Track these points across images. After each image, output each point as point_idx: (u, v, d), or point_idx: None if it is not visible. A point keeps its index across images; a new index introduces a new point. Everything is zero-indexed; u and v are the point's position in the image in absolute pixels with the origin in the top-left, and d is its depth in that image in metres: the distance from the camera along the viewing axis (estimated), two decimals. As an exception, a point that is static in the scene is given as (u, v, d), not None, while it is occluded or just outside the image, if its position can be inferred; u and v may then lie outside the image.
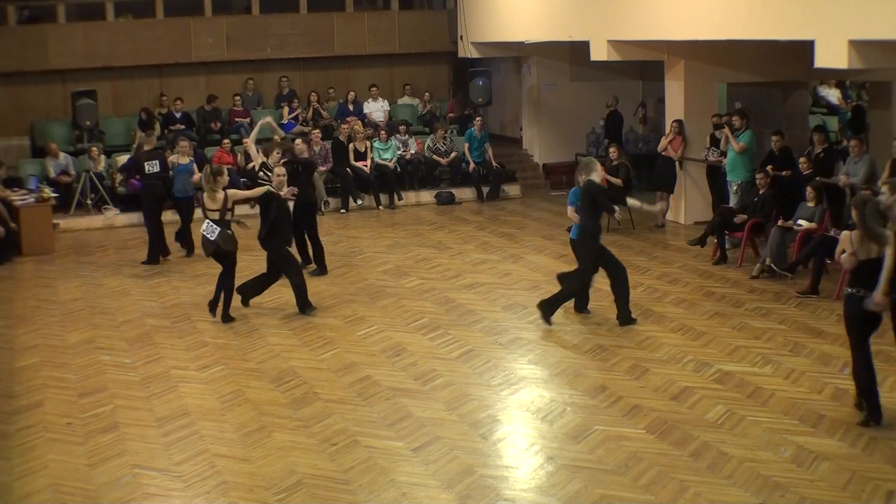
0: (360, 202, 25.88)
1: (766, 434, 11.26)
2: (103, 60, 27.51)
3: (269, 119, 22.17)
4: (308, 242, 19.18)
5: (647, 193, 23.25)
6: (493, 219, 24.59)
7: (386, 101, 29.48)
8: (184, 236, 20.88)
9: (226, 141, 25.70)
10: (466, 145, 27.17)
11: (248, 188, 18.79)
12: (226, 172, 16.60)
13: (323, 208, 25.15)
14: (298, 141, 20.61)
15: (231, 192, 16.44)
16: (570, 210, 16.15)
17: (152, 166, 20.33)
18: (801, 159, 19.48)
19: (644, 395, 12.58)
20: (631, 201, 16.63)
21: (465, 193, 27.18)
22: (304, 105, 28.44)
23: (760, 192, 18.78)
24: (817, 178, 18.71)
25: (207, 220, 16.09)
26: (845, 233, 11.56)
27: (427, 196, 26.98)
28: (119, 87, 28.07)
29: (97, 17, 27.97)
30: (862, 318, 11.46)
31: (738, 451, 10.81)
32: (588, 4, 22.46)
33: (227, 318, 16.31)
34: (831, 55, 15.15)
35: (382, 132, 27.03)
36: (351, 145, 26.34)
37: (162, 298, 17.55)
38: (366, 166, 26.19)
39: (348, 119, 27.59)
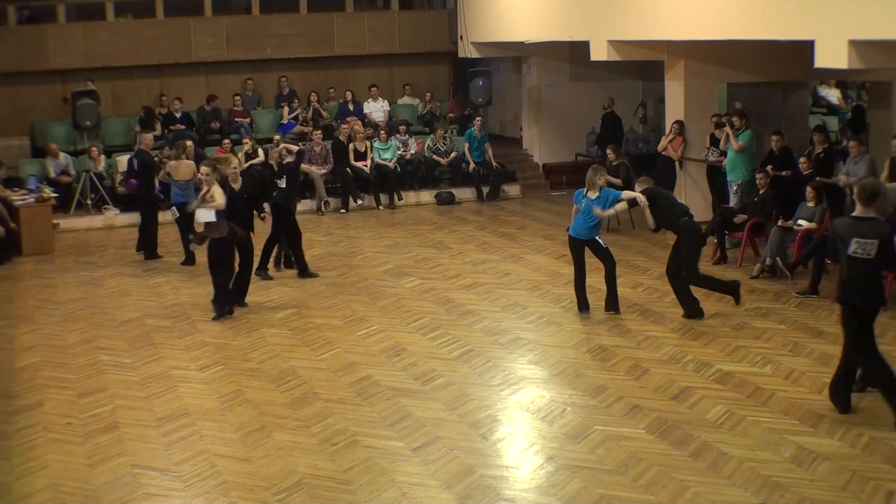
0: (360, 202, 25.88)
1: (766, 434, 11.26)
2: (103, 60, 27.52)
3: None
4: (285, 247, 19.07)
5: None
6: (493, 219, 24.60)
7: (386, 101, 29.48)
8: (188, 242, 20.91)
9: (226, 141, 25.68)
10: (466, 145, 27.17)
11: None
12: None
13: (323, 208, 25.16)
14: (278, 138, 20.50)
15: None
16: (574, 209, 16.20)
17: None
18: (801, 159, 19.49)
19: (644, 395, 12.58)
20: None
21: (465, 193, 27.19)
22: (304, 105, 28.44)
23: (760, 192, 18.79)
24: (817, 178, 18.72)
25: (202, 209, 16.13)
26: None
27: (427, 196, 26.98)
28: (119, 87, 28.07)
29: (97, 17, 28.00)
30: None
31: (738, 451, 10.81)
32: (588, 4, 22.46)
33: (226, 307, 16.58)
34: (831, 55, 15.15)
35: (382, 132, 27.02)
36: (351, 145, 26.34)
37: (162, 298, 17.55)
38: (366, 166, 26.19)
39: (348, 119, 27.57)
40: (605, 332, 15.25)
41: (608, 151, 22.75)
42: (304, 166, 18.87)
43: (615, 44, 21.61)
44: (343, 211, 25.68)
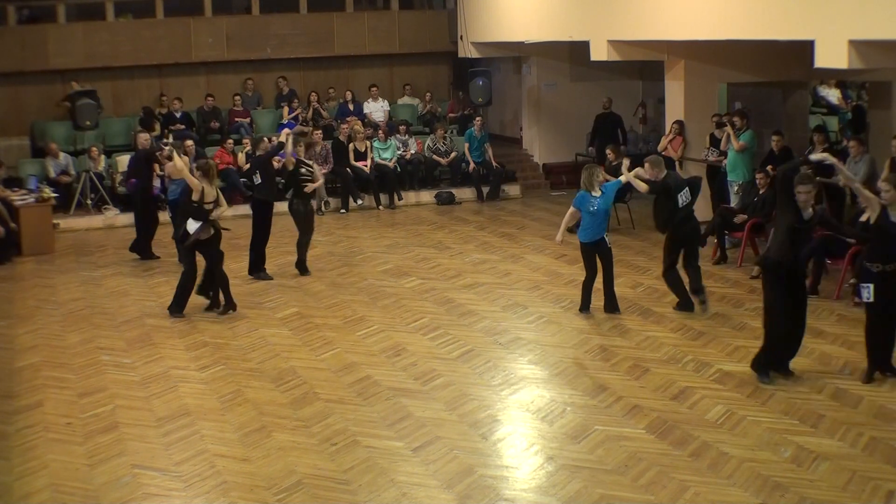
0: (360, 202, 25.88)
1: (766, 434, 11.26)
2: (103, 60, 27.52)
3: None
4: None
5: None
6: (493, 219, 24.60)
7: (386, 101, 29.48)
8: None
9: (229, 141, 25.71)
10: (466, 145, 27.18)
11: (248, 187, 18.77)
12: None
13: (323, 208, 25.16)
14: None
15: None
16: (572, 213, 16.20)
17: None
18: (801, 159, 19.47)
19: (644, 395, 12.59)
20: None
21: (465, 193, 27.20)
22: (304, 105, 28.44)
23: (760, 192, 18.79)
24: (817, 178, 18.69)
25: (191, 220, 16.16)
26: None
27: (427, 196, 26.99)
28: (119, 87, 28.07)
29: (97, 17, 28.00)
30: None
31: (738, 451, 10.81)
32: (588, 4, 22.47)
33: (230, 305, 16.66)
34: (831, 55, 15.15)
35: (381, 132, 27.02)
36: (351, 145, 26.34)
37: (162, 298, 17.52)
38: (366, 166, 26.18)
39: (348, 119, 27.56)
40: (605, 332, 15.25)
41: (608, 151, 22.74)
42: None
43: (615, 44, 21.61)
44: (343, 211, 25.69)
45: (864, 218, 16.46)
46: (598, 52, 22.08)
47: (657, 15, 19.77)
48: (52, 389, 13.39)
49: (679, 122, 22.65)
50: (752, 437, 11.22)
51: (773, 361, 12.94)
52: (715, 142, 21.90)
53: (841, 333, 14.71)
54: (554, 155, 29.25)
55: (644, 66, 27.35)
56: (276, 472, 10.67)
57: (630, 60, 23.47)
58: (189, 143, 23.17)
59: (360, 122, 27.35)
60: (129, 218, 23.50)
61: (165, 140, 22.04)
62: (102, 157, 24.99)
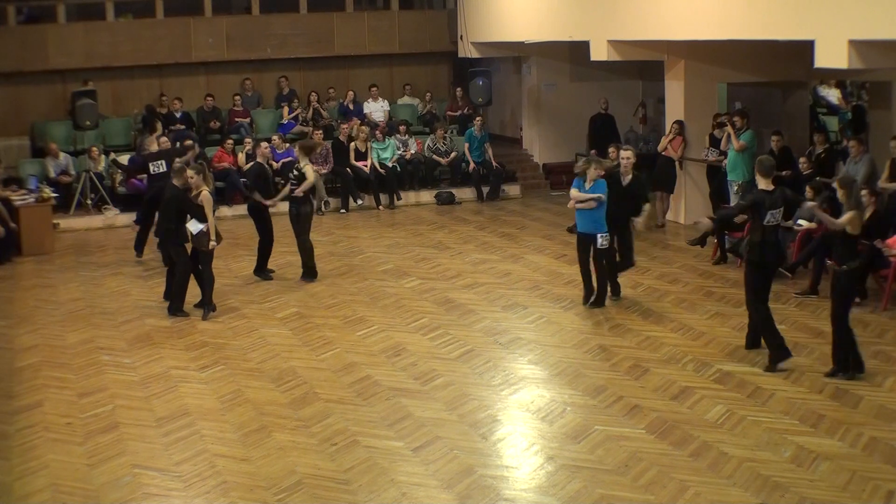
0: (360, 202, 25.88)
1: (766, 434, 11.27)
2: (103, 60, 27.51)
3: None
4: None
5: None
6: (493, 219, 24.60)
7: (386, 101, 29.46)
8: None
9: (229, 141, 25.70)
10: (466, 145, 27.16)
11: (249, 188, 18.75)
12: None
13: (323, 208, 25.15)
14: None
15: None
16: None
17: (157, 167, 20.30)
18: (802, 159, 19.49)
19: (644, 395, 12.59)
20: None
21: (465, 193, 27.19)
22: (304, 105, 28.42)
23: (760, 191, 18.76)
24: (817, 178, 18.70)
25: (195, 220, 16.14)
26: (851, 214, 12.80)
27: (427, 196, 26.98)
28: (119, 87, 28.04)
29: (97, 17, 27.97)
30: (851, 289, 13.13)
31: (738, 451, 10.82)
32: (588, 4, 22.47)
33: (209, 307, 16.60)
34: (831, 55, 15.17)
35: (378, 132, 26.99)
36: (352, 144, 26.33)
37: (162, 298, 17.50)
38: (366, 166, 26.17)
39: (349, 121, 27.50)
40: (605, 332, 15.26)
41: (610, 150, 22.70)
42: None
43: (615, 44, 21.62)
44: (343, 211, 25.69)
45: (864, 218, 16.52)
46: (598, 52, 22.08)
47: (657, 15, 19.78)
48: (52, 389, 13.40)
49: (679, 122, 22.65)
50: (752, 437, 11.23)
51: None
52: (715, 142, 21.89)
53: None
54: (554, 155, 29.22)
55: (644, 66, 27.31)
56: (276, 472, 10.68)
57: (630, 60, 23.47)
58: (189, 143, 23.20)
59: (359, 122, 27.30)
60: (129, 218, 23.48)
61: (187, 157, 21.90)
62: (102, 157, 24.96)
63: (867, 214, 16.65)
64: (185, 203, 16.27)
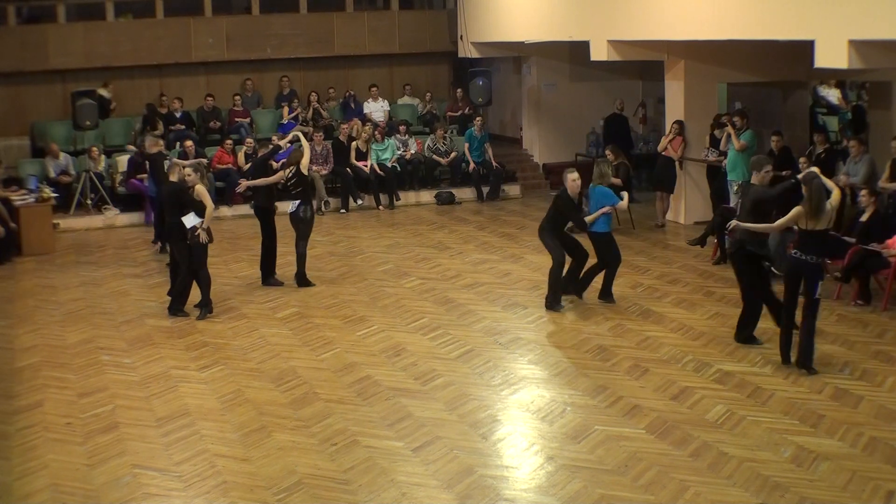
0: (360, 202, 25.88)
1: (766, 434, 11.27)
2: (103, 60, 27.52)
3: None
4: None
5: (647, 193, 23.36)
6: (493, 219, 24.60)
7: (386, 101, 29.45)
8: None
9: (228, 141, 25.69)
10: (466, 145, 27.16)
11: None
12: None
13: (323, 208, 25.15)
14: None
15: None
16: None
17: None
18: (801, 159, 19.47)
19: (644, 395, 12.59)
20: None
21: (465, 193, 27.19)
22: (304, 105, 28.42)
23: (760, 191, 18.77)
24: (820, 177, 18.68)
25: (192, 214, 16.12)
26: (797, 209, 13.10)
27: (427, 196, 26.98)
28: (119, 87, 28.03)
29: (97, 17, 27.99)
30: (796, 275, 13.33)
31: (738, 451, 10.82)
32: (588, 4, 22.47)
33: (206, 308, 16.62)
34: (831, 55, 15.17)
35: (378, 133, 26.97)
36: (353, 144, 26.32)
37: (162, 298, 17.49)
38: (366, 166, 26.17)
39: (349, 121, 27.46)
40: (605, 332, 15.25)
41: (607, 152, 22.72)
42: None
43: (615, 44, 21.62)
44: (343, 211, 25.69)
45: (863, 218, 16.55)
46: (598, 52, 22.08)
47: (657, 15, 19.77)
48: (52, 389, 13.40)
49: (679, 122, 22.64)
50: (752, 437, 11.23)
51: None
52: (715, 142, 21.90)
53: (841, 333, 14.72)
54: (554, 155, 29.19)
55: (644, 66, 27.32)
56: (277, 472, 10.68)
57: (630, 60, 23.46)
58: (189, 143, 23.24)
59: (360, 122, 27.29)
60: (129, 218, 23.51)
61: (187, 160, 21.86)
62: (102, 157, 24.97)
63: (866, 216, 16.68)
64: (184, 197, 16.25)
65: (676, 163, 22.74)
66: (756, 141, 20.69)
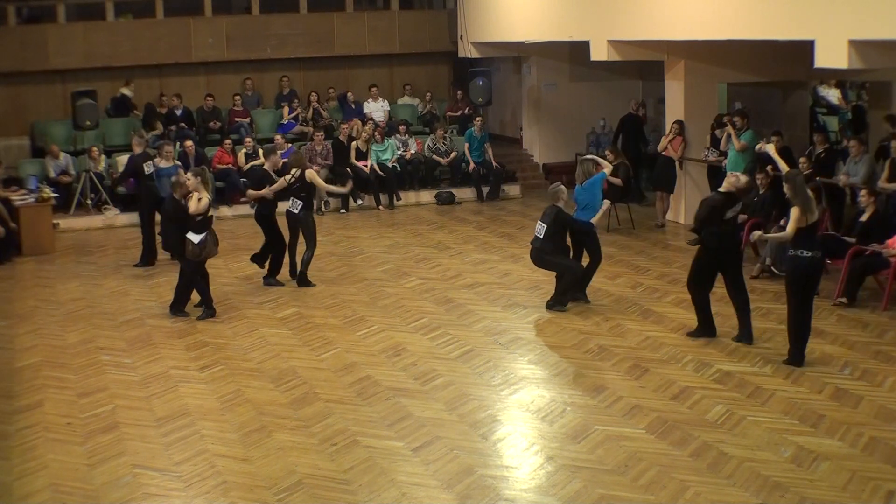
0: (360, 202, 25.88)
1: (766, 434, 11.27)
2: (103, 60, 27.53)
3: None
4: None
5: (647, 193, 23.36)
6: (493, 219, 24.60)
7: (386, 101, 29.45)
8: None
9: (227, 141, 25.69)
10: (466, 145, 27.16)
11: (249, 188, 18.65)
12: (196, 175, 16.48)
13: (323, 208, 25.16)
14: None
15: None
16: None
17: (150, 167, 20.28)
18: (801, 159, 19.48)
19: (644, 395, 12.59)
20: None
21: (465, 193, 27.19)
22: (304, 105, 28.42)
23: (761, 192, 18.79)
24: (817, 179, 18.71)
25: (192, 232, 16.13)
26: (795, 210, 13.10)
27: (427, 196, 26.98)
28: (119, 87, 28.00)
29: (97, 17, 28.02)
30: (805, 276, 13.27)
31: (738, 451, 10.82)
32: (588, 4, 22.48)
33: (207, 311, 16.60)
34: (831, 55, 15.17)
35: (377, 133, 26.95)
36: (353, 144, 26.32)
37: (162, 298, 17.51)
38: (366, 166, 26.17)
39: (349, 121, 27.44)
40: (604, 332, 15.25)
41: (607, 152, 22.74)
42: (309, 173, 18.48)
43: (615, 44, 21.62)
44: (343, 211, 25.69)
45: (863, 218, 16.55)
46: (598, 52, 22.09)
47: (657, 15, 19.78)
48: (52, 389, 13.40)
49: (679, 122, 22.65)
50: (752, 437, 11.23)
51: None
52: (715, 142, 21.91)
53: (841, 333, 14.71)
54: (554, 155, 29.24)
55: (644, 66, 27.33)
56: (276, 472, 10.68)
57: (630, 60, 23.47)
58: (189, 143, 23.23)
59: (360, 122, 27.28)
60: (129, 218, 23.50)
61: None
62: (102, 157, 24.97)
63: (866, 216, 16.69)
64: (184, 215, 16.24)
65: (676, 163, 22.75)
66: (756, 141, 20.69)
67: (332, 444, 11.37)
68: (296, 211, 18.05)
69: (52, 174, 24.31)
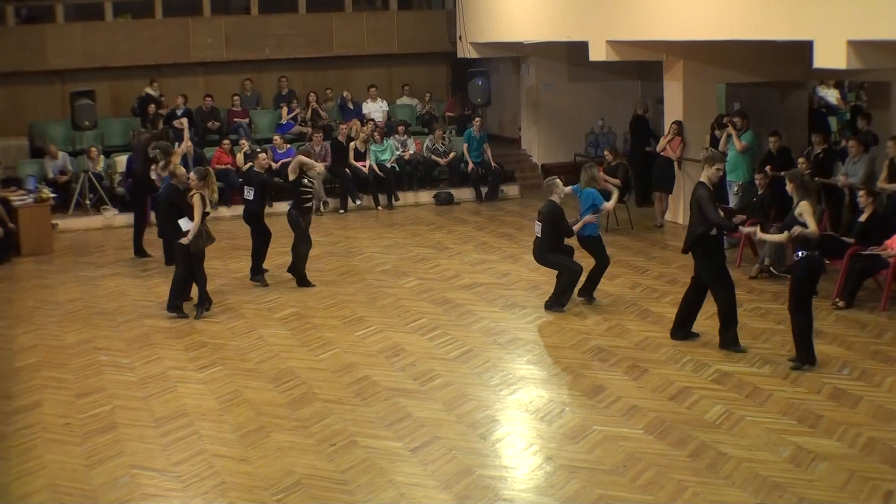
0: (358, 202, 25.87)
1: (765, 434, 11.27)
2: (102, 61, 27.52)
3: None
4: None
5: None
6: (492, 219, 24.60)
7: (385, 101, 29.45)
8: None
9: (225, 141, 25.67)
10: (465, 145, 27.15)
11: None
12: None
13: (322, 209, 25.16)
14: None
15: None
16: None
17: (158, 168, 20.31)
18: (800, 159, 19.48)
19: (642, 396, 12.60)
20: None
21: (463, 194, 27.17)
22: (303, 105, 28.41)
23: (759, 192, 18.80)
24: (816, 179, 18.70)
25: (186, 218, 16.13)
26: (807, 205, 13.02)
27: (426, 196, 26.97)
28: (117, 87, 28.03)
29: (95, 18, 28.02)
30: (811, 279, 13.29)
31: (736, 452, 10.82)
32: (587, 5, 22.47)
33: (203, 306, 16.64)
34: (830, 55, 15.18)
35: (377, 134, 26.92)
36: (352, 144, 26.31)
37: (160, 299, 17.48)
38: (365, 166, 26.16)
39: (348, 122, 27.41)
40: (603, 333, 15.25)
41: (605, 153, 22.76)
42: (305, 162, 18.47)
43: (614, 44, 21.63)
44: (342, 211, 25.69)
45: (862, 219, 16.55)
46: (597, 53, 22.09)
47: (656, 15, 19.79)
48: (50, 390, 13.40)
49: (678, 123, 22.65)
50: (750, 437, 11.23)
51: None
52: (715, 142, 21.90)
53: (840, 333, 14.72)
54: (552, 155, 29.21)
55: (642, 67, 27.33)
56: (275, 472, 10.68)
57: (629, 61, 23.46)
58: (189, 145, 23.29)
59: (359, 122, 27.28)
60: (127, 218, 23.48)
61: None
62: (101, 157, 24.97)
63: (865, 216, 16.69)
64: (179, 200, 16.27)
65: (675, 163, 22.75)
66: (756, 141, 20.72)
67: (331, 444, 11.37)
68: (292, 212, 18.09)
69: (51, 174, 24.30)
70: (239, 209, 23.03)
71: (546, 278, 18.01)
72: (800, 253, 13.15)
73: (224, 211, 24.37)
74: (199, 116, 27.48)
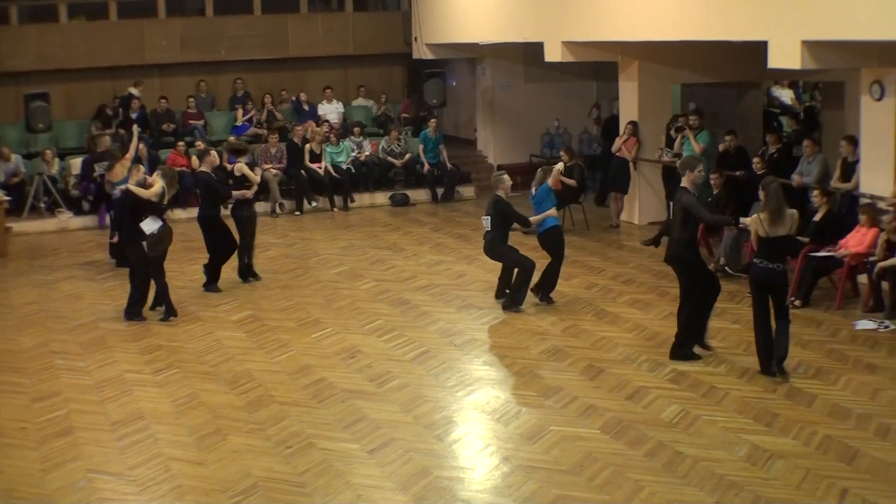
0: (314, 204, 25.83)
1: (721, 433, 11.31)
2: (57, 63, 27.37)
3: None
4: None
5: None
6: (448, 220, 24.61)
7: (340, 102, 29.41)
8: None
9: (180, 143, 25.57)
10: (421, 147, 27.17)
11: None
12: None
13: (278, 210, 25.11)
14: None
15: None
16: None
17: (102, 167, 20.20)
18: (755, 159, 19.56)
19: (599, 396, 12.62)
20: None
21: (419, 195, 27.17)
22: (259, 107, 28.34)
23: (715, 192, 18.86)
24: (770, 178, 18.77)
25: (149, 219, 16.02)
26: (754, 217, 13.08)
27: (381, 198, 26.95)
28: (72, 89, 27.89)
29: (50, 19, 27.85)
30: (764, 286, 12.98)
31: (692, 451, 10.86)
32: (542, 5, 22.51)
33: (169, 312, 16.55)
34: (784, 56, 15.27)
35: (332, 135, 26.90)
36: (307, 146, 26.27)
37: (116, 302, 17.41)
38: (320, 168, 26.12)
39: (303, 123, 27.36)
40: (559, 333, 15.27)
41: (561, 153, 22.78)
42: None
43: (569, 45, 21.68)
44: (297, 213, 25.62)
45: (817, 218, 16.64)
46: (553, 54, 22.14)
47: (611, 16, 19.85)
48: (5, 394, 13.30)
49: (633, 123, 22.72)
50: (706, 436, 11.27)
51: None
52: (670, 142, 21.99)
53: (794, 333, 14.71)
54: (508, 156, 29.21)
55: (598, 68, 27.40)
56: (232, 475, 10.63)
57: (584, 61, 23.51)
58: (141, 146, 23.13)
59: (315, 124, 27.25)
60: (82, 221, 23.39)
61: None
62: (56, 159, 24.85)
63: (819, 215, 16.78)
64: (139, 200, 16.19)
65: (630, 163, 22.81)
66: (712, 141, 20.80)
67: (288, 446, 11.34)
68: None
69: (2, 177, 24.13)
70: (193, 211, 22.98)
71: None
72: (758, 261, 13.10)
73: (180, 213, 24.25)
74: (153, 118, 27.38)
